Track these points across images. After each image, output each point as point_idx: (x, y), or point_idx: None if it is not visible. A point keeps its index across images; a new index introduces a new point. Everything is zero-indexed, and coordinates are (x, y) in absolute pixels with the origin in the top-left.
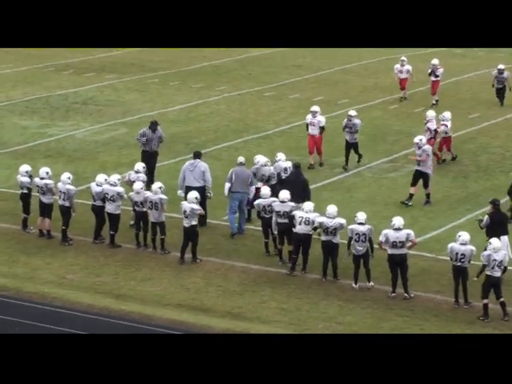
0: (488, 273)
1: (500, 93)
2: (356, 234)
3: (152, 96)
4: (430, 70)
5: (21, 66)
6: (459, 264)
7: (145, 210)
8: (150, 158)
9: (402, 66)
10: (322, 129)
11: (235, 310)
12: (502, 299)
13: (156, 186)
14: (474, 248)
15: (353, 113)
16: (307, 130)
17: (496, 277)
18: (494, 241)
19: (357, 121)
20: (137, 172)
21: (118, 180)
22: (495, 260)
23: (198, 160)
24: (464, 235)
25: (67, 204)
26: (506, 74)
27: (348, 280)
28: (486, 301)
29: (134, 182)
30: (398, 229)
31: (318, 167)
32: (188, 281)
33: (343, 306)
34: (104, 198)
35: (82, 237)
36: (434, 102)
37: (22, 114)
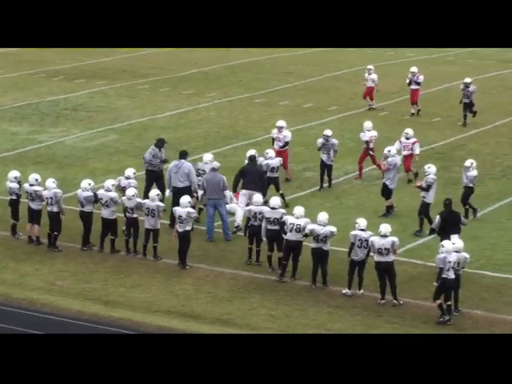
0: (443, 275)
1: (467, 108)
2: (359, 240)
3: (142, 102)
4: (408, 80)
5: (11, 72)
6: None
7: (135, 216)
8: (157, 179)
9: (369, 74)
10: (286, 144)
11: (224, 316)
12: (449, 302)
13: (153, 193)
14: (467, 255)
15: (329, 132)
16: (273, 144)
17: (451, 279)
18: (446, 243)
19: (334, 141)
20: (127, 178)
21: (113, 185)
22: (450, 262)
23: (183, 161)
24: (457, 243)
25: (55, 209)
26: (471, 87)
27: (338, 287)
28: (438, 301)
29: (124, 187)
30: (385, 236)
31: (303, 174)
32: (177, 287)
33: (333, 312)
34: (93, 202)
35: (71, 243)
36: (414, 111)
37: (12, 120)
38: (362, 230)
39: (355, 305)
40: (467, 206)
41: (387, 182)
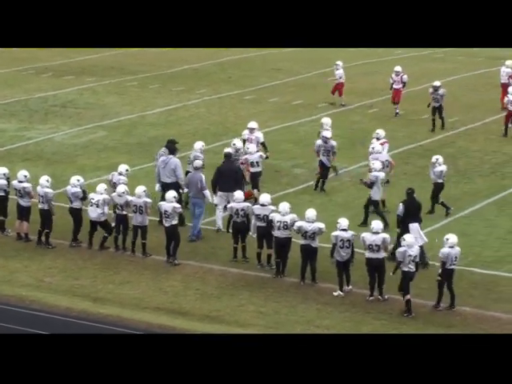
0: (405, 269)
1: (437, 112)
2: (340, 241)
3: (131, 99)
4: (392, 80)
5: (0, 69)
6: (452, 267)
7: (125, 213)
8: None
9: (337, 70)
10: (263, 145)
11: (213, 313)
12: (408, 296)
13: (140, 189)
14: (459, 249)
15: (328, 134)
16: (244, 145)
17: (412, 272)
18: (407, 237)
19: (333, 142)
20: (120, 174)
21: (105, 190)
22: (410, 255)
23: (171, 156)
24: (452, 238)
25: (46, 207)
26: (441, 91)
27: (326, 283)
28: (408, 296)
29: (115, 183)
30: (376, 232)
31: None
32: (166, 284)
33: (321, 309)
34: (81, 198)
35: (60, 240)
36: (398, 111)
37: (1, 117)
38: (344, 230)
39: (344, 302)
40: (437, 203)
41: (371, 194)
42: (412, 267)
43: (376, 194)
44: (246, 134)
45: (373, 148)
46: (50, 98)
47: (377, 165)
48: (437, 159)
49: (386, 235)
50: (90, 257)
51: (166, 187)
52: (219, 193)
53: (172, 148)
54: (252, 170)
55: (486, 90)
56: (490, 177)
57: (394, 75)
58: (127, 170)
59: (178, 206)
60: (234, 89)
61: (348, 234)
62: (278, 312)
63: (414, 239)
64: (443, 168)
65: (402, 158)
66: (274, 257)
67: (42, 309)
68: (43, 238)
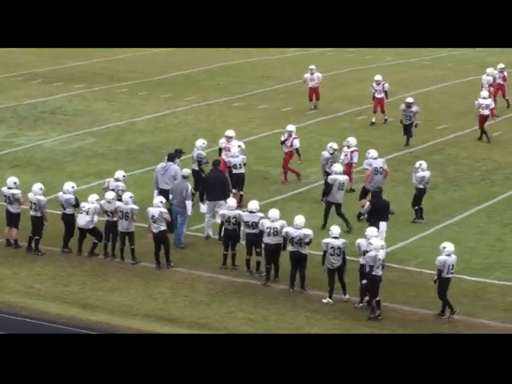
0: (373, 273)
1: (407, 130)
2: (331, 248)
3: (120, 106)
4: (373, 90)
5: None
6: (450, 276)
7: (115, 219)
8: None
9: (312, 74)
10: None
11: (202, 320)
12: (378, 298)
13: (127, 195)
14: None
15: (335, 145)
16: (220, 154)
17: (380, 275)
18: (374, 241)
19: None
20: (117, 180)
21: (97, 200)
22: (380, 259)
23: (170, 163)
24: (449, 246)
25: (39, 214)
26: (414, 108)
27: (315, 291)
28: (377, 298)
29: (113, 189)
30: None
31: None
32: (155, 291)
33: (310, 316)
34: (73, 205)
35: (49, 246)
36: (374, 120)
37: None
38: (335, 237)
39: (333, 309)
40: (416, 207)
41: (328, 198)
42: (379, 271)
43: (335, 197)
44: (223, 142)
45: (368, 153)
46: (39, 105)
47: (336, 168)
48: (420, 164)
49: (381, 242)
50: (80, 263)
51: (163, 194)
52: (207, 202)
53: (171, 155)
54: (235, 171)
55: (475, 97)
56: (479, 184)
57: (374, 84)
58: (124, 176)
59: (164, 210)
60: (223, 96)
61: (339, 242)
62: (267, 319)
63: (380, 242)
64: (426, 174)
65: (391, 165)
66: (263, 264)
67: (31, 315)
68: (33, 245)
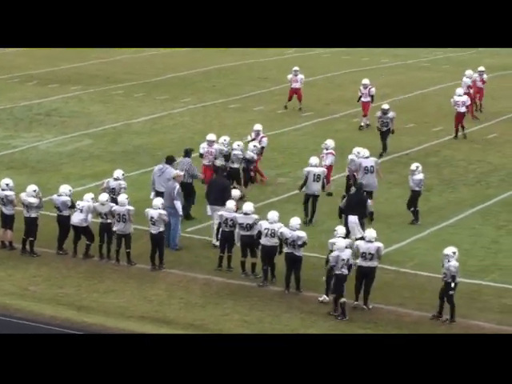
0: (337, 272)
1: (384, 136)
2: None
3: (116, 108)
4: (360, 93)
5: None
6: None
7: (109, 221)
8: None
9: (296, 75)
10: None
11: (197, 322)
12: (343, 298)
13: (122, 197)
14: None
15: (313, 162)
16: (201, 157)
17: (345, 274)
18: (339, 241)
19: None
20: (116, 179)
21: (92, 199)
22: (343, 260)
23: (167, 166)
24: (456, 251)
25: (33, 215)
26: (390, 114)
27: (311, 292)
28: (343, 299)
29: (113, 189)
30: (370, 241)
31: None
32: (151, 293)
33: (306, 318)
34: (69, 207)
35: (44, 248)
36: (364, 124)
37: None
38: (341, 237)
39: (328, 310)
40: (413, 209)
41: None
42: (345, 270)
43: (309, 188)
44: (204, 147)
45: (358, 152)
46: (34, 107)
47: (312, 160)
48: (417, 167)
49: (379, 244)
50: (75, 265)
51: (160, 196)
52: (209, 206)
53: (169, 158)
54: (232, 166)
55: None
56: (474, 186)
57: (362, 88)
58: (123, 175)
59: (164, 212)
60: (219, 97)
61: (346, 242)
62: (262, 321)
63: (344, 243)
64: (422, 176)
65: (386, 168)
66: (258, 265)
67: (26, 317)
68: (28, 247)
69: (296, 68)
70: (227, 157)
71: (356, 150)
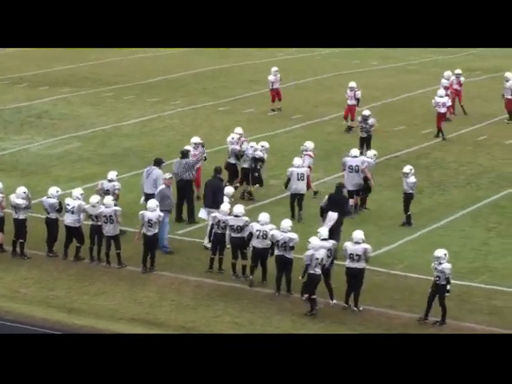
0: (311, 271)
1: (363, 143)
2: (328, 250)
3: (106, 110)
4: (346, 96)
5: None
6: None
7: (99, 223)
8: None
9: (275, 75)
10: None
11: (189, 324)
12: (314, 296)
13: (109, 198)
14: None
15: (296, 163)
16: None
17: (318, 274)
18: (313, 240)
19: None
20: (110, 181)
21: (81, 195)
22: (317, 259)
23: (154, 168)
24: (437, 252)
25: (22, 217)
26: (371, 120)
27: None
28: (314, 296)
29: (108, 190)
30: (357, 242)
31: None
32: (141, 295)
33: (296, 320)
34: (57, 210)
35: (35, 250)
36: (351, 125)
37: None
38: (324, 239)
39: (319, 312)
40: (409, 213)
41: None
42: (318, 270)
43: (293, 188)
44: (190, 149)
45: (350, 152)
46: (24, 109)
47: (295, 161)
48: (410, 169)
49: (367, 245)
50: (65, 268)
51: (148, 198)
52: (205, 208)
53: (157, 160)
54: (244, 165)
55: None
56: (465, 188)
57: (348, 91)
58: (117, 176)
59: (161, 214)
60: (209, 100)
61: (329, 244)
62: (253, 323)
63: (319, 242)
64: (414, 179)
65: (378, 170)
66: (249, 267)
67: (16, 319)
68: (18, 249)
69: (275, 68)
70: (239, 156)
71: (368, 152)
